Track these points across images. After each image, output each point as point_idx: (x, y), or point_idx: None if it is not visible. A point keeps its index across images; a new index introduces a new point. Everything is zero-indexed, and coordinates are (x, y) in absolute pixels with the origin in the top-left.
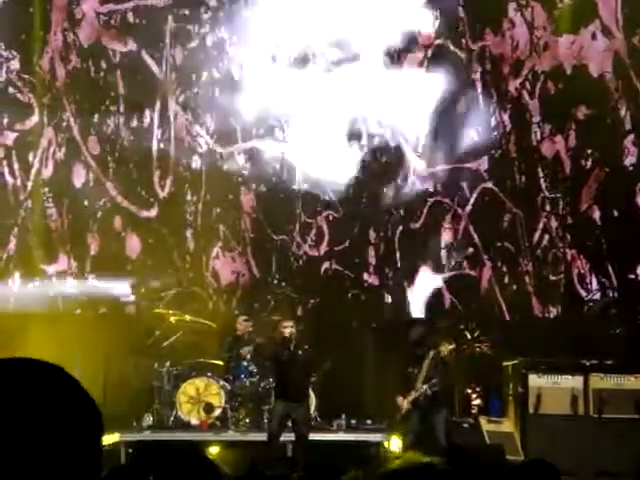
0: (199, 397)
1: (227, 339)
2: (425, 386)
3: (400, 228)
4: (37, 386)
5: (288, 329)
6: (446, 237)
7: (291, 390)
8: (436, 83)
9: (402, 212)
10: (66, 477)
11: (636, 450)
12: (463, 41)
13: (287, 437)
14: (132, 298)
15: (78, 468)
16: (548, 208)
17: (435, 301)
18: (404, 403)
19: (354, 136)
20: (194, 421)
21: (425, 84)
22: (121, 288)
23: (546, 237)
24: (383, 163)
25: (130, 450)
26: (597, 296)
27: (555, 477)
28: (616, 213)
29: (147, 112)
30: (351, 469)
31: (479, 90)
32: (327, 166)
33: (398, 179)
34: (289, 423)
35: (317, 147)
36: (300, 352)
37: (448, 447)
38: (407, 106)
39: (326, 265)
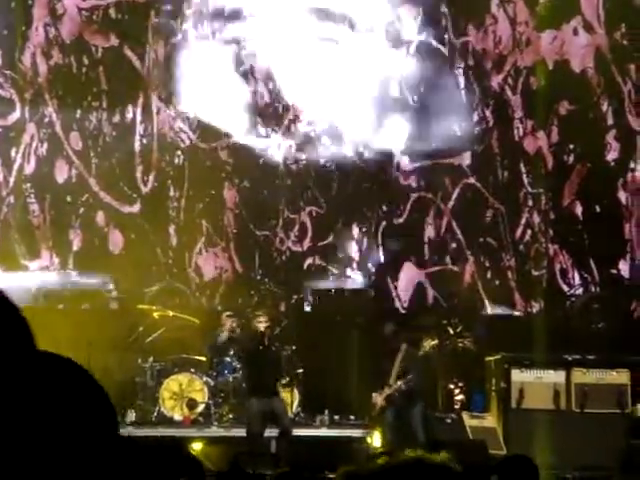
0: (182, 393)
1: (210, 335)
2: (399, 382)
3: (383, 223)
4: (56, 381)
5: (263, 324)
6: (429, 232)
7: (264, 385)
8: (418, 78)
9: (385, 207)
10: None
11: (618, 444)
12: (446, 36)
13: (271, 433)
14: (115, 294)
15: (99, 463)
16: (530, 203)
17: (418, 296)
18: (378, 400)
19: (334, 131)
20: (177, 417)
21: (407, 79)
22: (104, 284)
23: (528, 232)
24: (365, 159)
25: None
26: (579, 291)
27: (533, 472)
28: (598, 208)
29: (129, 107)
30: (334, 465)
31: (461, 85)
32: (309, 161)
33: (382, 175)
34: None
35: (300, 142)
36: (273, 348)
37: (429, 442)
38: (389, 102)
39: (309, 261)
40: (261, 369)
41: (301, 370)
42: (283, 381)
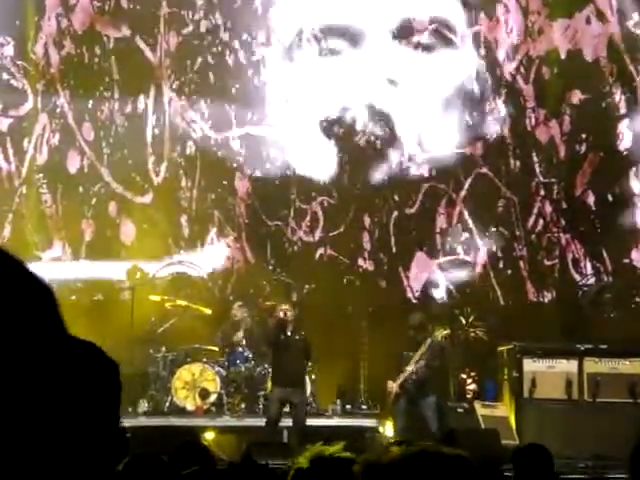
0: (194, 383)
1: (222, 325)
2: (410, 368)
3: (395, 213)
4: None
5: (287, 312)
6: (441, 222)
7: (287, 375)
8: (431, 68)
9: (397, 197)
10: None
11: (630, 434)
12: (457, 26)
13: (284, 423)
14: (127, 284)
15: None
16: (543, 193)
17: (430, 286)
18: (393, 387)
19: (347, 122)
20: (189, 407)
21: (419, 70)
22: (116, 274)
23: (541, 222)
24: (378, 149)
25: (127, 435)
26: (591, 281)
27: (548, 460)
28: (610, 198)
29: (141, 98)
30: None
31: (473, 75)
32: (321, 152)
33: (393, 164)
34: (286, 409)
35: (311, 133)
36: (297, 337)
37: (442, 432)
38: (402, 92)
39: (321, 251)
40: (284, 358)
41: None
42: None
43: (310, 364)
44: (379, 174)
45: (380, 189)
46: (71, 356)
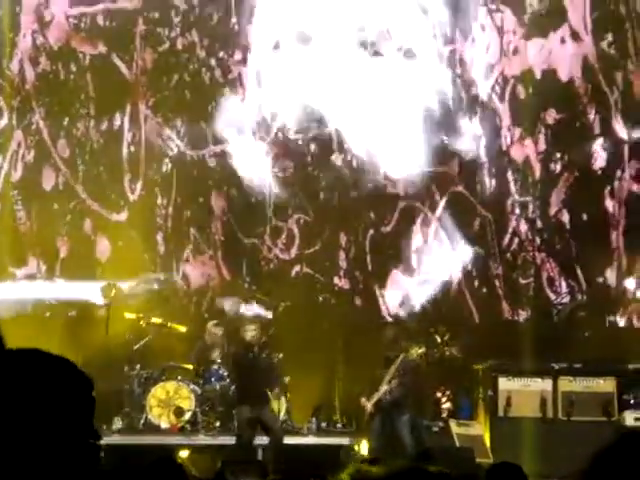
0: (169, 400)
1: (198, 343)
2: (385, 387)
3: (371, 232)
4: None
5: (250, 332)
6: (416, 241)
7: (253, 394)
8: (406, 86)
9: (373, 215)
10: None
11: None
12: (434, 44)
13: (258, 441)
14: (102, 301)
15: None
16: (518, 212)
17: (405, 304)
18: (367, 405)
19: (324, 139)
20: (164, 425)
21: (395, 87)
22: (91, 291)
23: (516, 240)
24: (354, 167)
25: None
26: (566, 299)
27: (520, 479)
28: (585, 217)
29: (117, 115)
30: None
31: (449, 94)
32: (299, 169)
33: (369, 183)
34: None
35: (290, 150)
36: (263, 356)
37: (417, 451)
38: (377, 110)
39: (297, 268)
40: (251, 377)
41: (288, 378)
42: (275, 390)
43: (282, 382)
44: (355, 192)
45: (356, 207)
46: (42, 371)
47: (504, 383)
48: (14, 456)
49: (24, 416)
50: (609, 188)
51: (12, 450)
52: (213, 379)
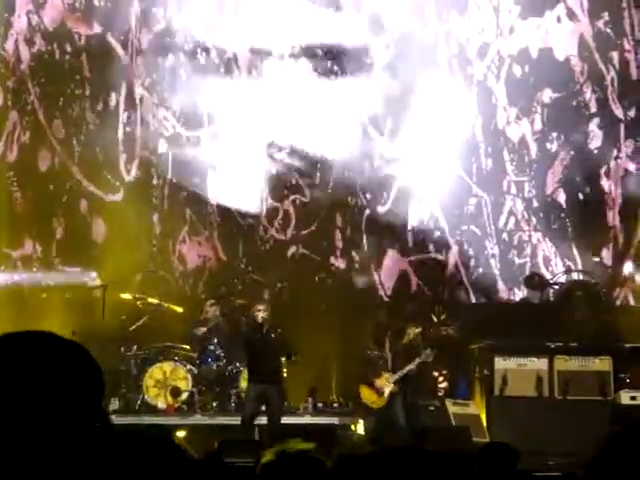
0: (166, 381)
1: (193, 323)
2: (411, 366)
3: (367, 212)
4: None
5: (261, 312)
6: (412, 221)
7: (264, 372)
8: (402, 66)
9: (368, 196)
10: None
11: (600, 432)
12: (429, 24)
13: (256, 421)
14: (98, 282)
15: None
16: (514, 191)
17: (402, 284)
18: (387, 384)
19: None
20: (161, 405)
21: (391, 67)
22: (87, 272)
23: (512, 220)
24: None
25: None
26: (562, 279)
27: (512, 458)
28: (581, 196)
29: (113, 96)
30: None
31: (445, 73)
32: (295, 149)
33: (365, 163)
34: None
35: (288, 129)
36: (273, 335)
37: (412, 430)
38: (373, 89)
39: (293, 249)
40: (259, 357)
41: (284, 358)
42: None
43: (294, 359)
44: (351, 173)
45: (352, 188)
46: (53, 354)
47: (500, 362)
48: (22, 439)
49: (33, 399)
50: (605, 168)
51: (20, 433)
52: (209, 359)
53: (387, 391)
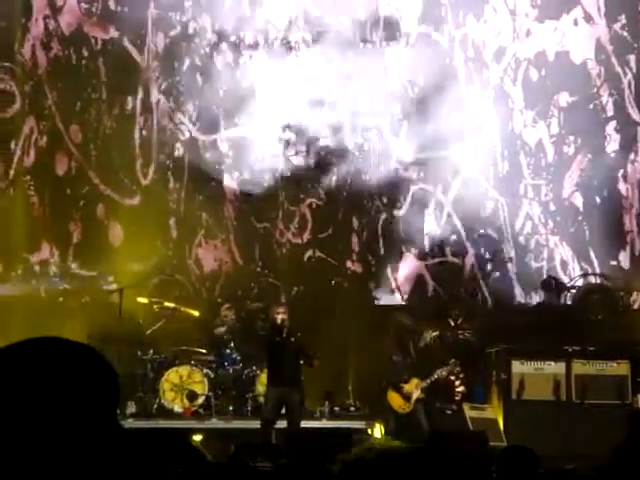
0: (182, 385)
1: (210, 328)
2: (441, 371)
3: (383, 215)
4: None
5: (281, 315)
6: (429, 224)
7: (284, 376)
8: (419, 70)
9: (385, 199)
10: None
11: (617, 436)
12: (445, 27)
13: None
14: (115, 286)
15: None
16: (531, 195)
17: (418, 288)
18: (416, 391)
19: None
20: (177, 409)
21: (408, 71)
22: (104, 276)
23: (529, 224)
24: (365, 150)
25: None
26: (579, 282)
27: (533, 462)
28: (598, 200)
29: (129, 100)
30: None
31: (461, 77)
32: (310, 154)
33: (381, 167)
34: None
35: (301, 133)
36: (292, 338)
37: (430, 433)
38: (390, 93)
39: (309, 253)
40: (279, 360)
41: (301, 362)
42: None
43: (315, 363)
44: (367, 176)
45: (368, 191)
46: (68, 360)
47: (517, 366)
48: (37, 443)
49: (49, 404)
50: (622, 171)
51: (35, 438)
52: (226, 363)
53: (415, 397)
